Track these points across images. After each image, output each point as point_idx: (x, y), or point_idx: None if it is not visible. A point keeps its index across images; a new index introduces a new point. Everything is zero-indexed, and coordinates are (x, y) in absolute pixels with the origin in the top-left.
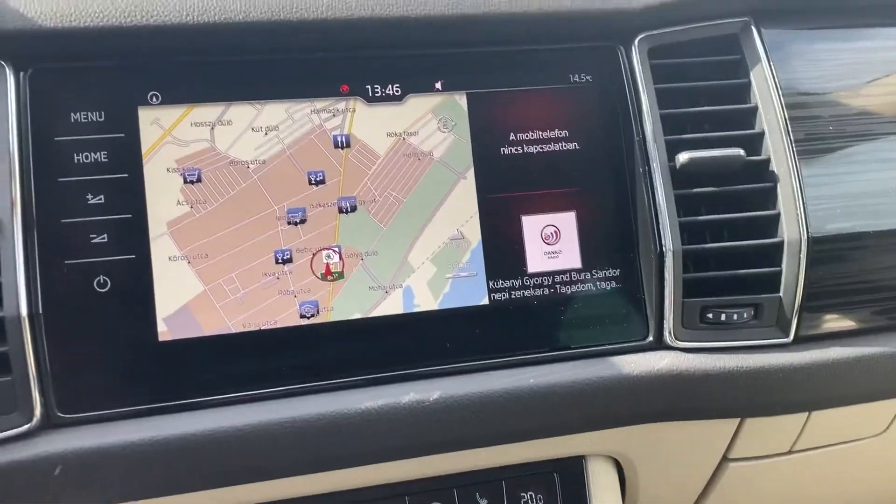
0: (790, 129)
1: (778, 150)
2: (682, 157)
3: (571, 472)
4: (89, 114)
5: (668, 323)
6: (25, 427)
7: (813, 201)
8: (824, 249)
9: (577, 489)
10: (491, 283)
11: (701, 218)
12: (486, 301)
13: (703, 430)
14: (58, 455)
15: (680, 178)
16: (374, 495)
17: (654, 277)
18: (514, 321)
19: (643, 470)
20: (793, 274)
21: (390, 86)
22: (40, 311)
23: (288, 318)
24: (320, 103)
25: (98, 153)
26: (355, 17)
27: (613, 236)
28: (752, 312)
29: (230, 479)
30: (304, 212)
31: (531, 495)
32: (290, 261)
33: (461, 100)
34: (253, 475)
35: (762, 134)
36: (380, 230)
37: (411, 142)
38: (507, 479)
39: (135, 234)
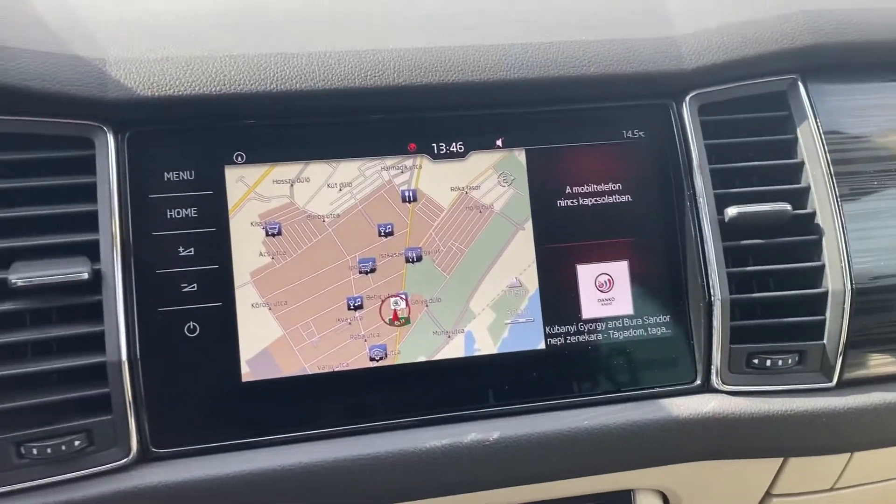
0: (835, 183)
1: (823, 203)
2: (732, 211)
3: None
4: (181, 173)
5: (716, 367)
6: (123, 461)
7: (857, 253)
8: (868, 300)
9: None
10: (547, 329)
11: (748, 269)
12: (542, 345)
13: (748, 467)
14: (151, 487)
15: (728, 230)
16: None
17: (703, 324)
18: (569, 364)
19: (689, 501)
20: (836, 322)
21: (454, 143)
22: (138, 356)
23: (359, 360)
24: (390, 160)
25: (189, 209)
26: (423, 83)
27: (664, 285)
28: (797, 358)
29: None
30: (374, 261)
31: None
32: (360, 307)
33: (520, 156)
34: None
35: (808, 188)
36: (443, 278)
37: (473, 195)
38: None
39: (222, 283)
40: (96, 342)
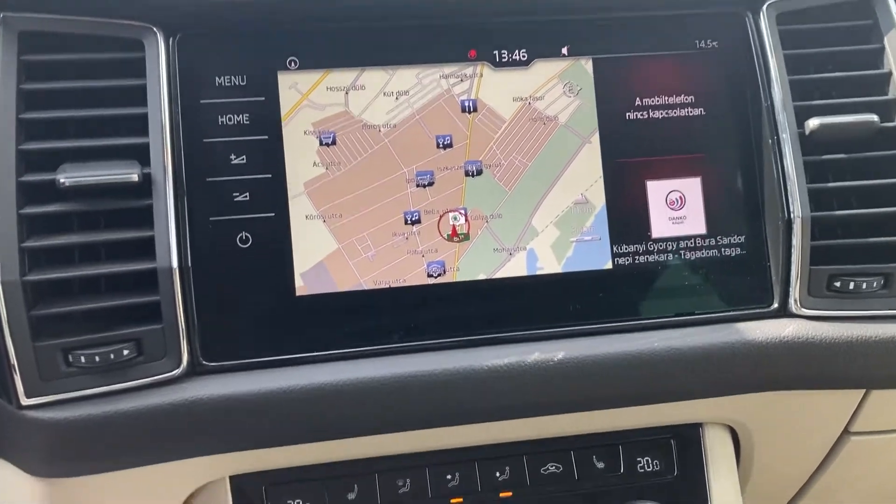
0: None
1: None
2: (813, 123)
3: (688, 440)
4: (232, 77)
5: (794, 291)
6: (173, 373)
7: None
8: None
9: (694, 457)
10: (615, 248)
11: (830, 185)
12: (609, 265)
13: (826, 400)
14: (202, 400)
15: (808, 143)
16: (495, 454)
17: (781, 245)
18: (638, 285)
19: (760, 440)
20: None
21: (517, 51)
22: (189, 264)
23: (416, 276)
24: (448, 68)
25: (241, 115)
26: None
27: (739, 203)
28: (882, 282)
29: (361, 428)
30: (431, 175)
31: (647, 460)
32: (418, 222)
33: (587, 65)
34: (382, 425)
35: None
36: (504, 193)
37: (537, 106)
38: (623, 444)
39: (274, 194)
40: (146, 248)
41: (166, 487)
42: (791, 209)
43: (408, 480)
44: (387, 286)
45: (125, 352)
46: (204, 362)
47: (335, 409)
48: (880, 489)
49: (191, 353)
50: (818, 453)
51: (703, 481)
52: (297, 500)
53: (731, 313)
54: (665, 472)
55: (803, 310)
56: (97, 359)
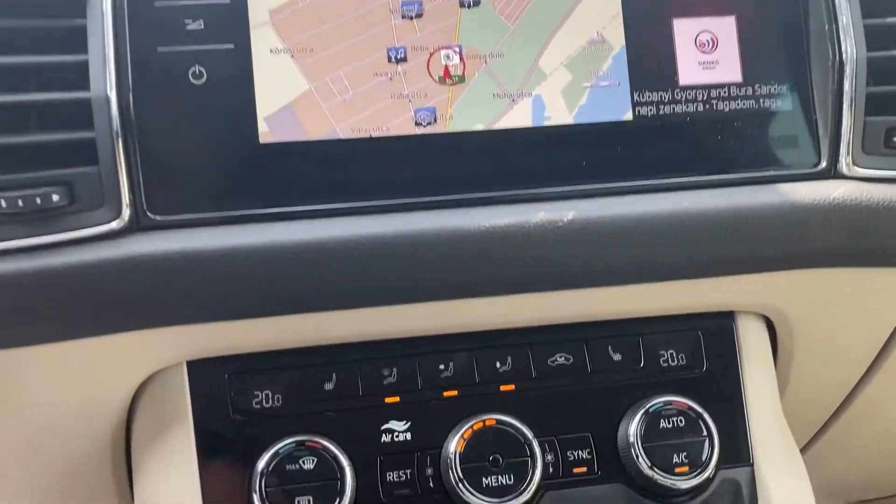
0: None
1: None
2: None
3: (719, 331)
4: None
5: (846, 146)
6: (113, 225)
7: None
8: None
9: (725, 351)
10: (636, 96)
11: (890, 20)
12: (629, 115)
13: (879, 283)
14: (146, 257)
15: None
16: (495, 342)
17: (831, 92)
18: (662, 139)
19: (800, 334)
20: None
21: None
22: (130, 98)
23: (402, 125)
24: None
25: None
26: None
27: (781, 44)
28: None
29: (333, 299)
30: (420, 5)
31: (672, 353)
32: (404, 60)
33: None
34: (358, 296)
35: None
36: (507, 29)
37: None
38: (644, 335)
39: (234, 21)
40: (80, 76)
41: (110, 372)
42: (843, 48)
43: (394, 370)
44: (366, 135)
45: (55, 196)
46: (150, 215)
47: (303, 273)
48: None
49: (133, 204)
50: (867, 354)
51: (737, 377)
52: (266, 392)
53: (771, 173)
54: (692, 367)
55: (856, 169)
56: (20, 202)
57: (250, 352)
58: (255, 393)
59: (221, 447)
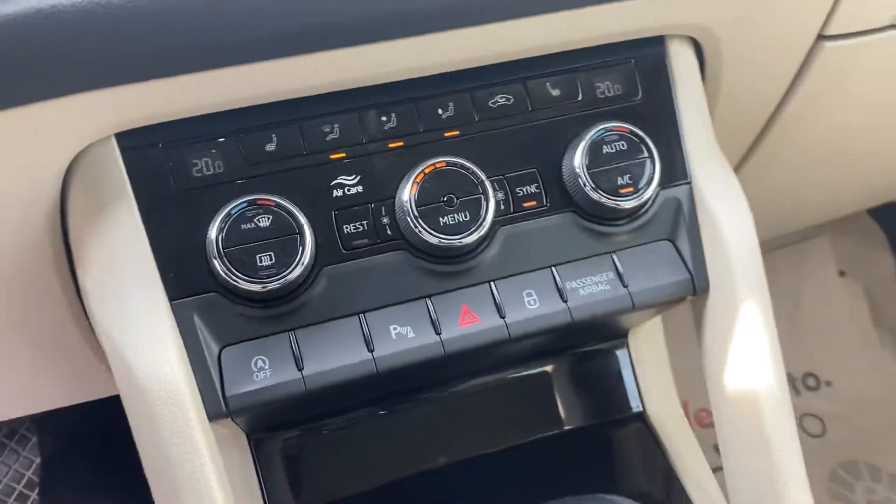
0: None
1: None
2: None
3: (651, 58)
4: None
5: None
6: None
7: None
8: None
9: (658, 77)
10: None
11: None
12: None
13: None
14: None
15: None
16: (435, 89)
17: None
18: None
19: (727, 52)
20: None
21: None
22: None
23: None
24: None
25: None
26: None
27: None
28: None
29: (254, 48)
30: None
31: (608, 85)
32: None
33: None
34: (284, 44)
35: None
36: None
37: None
38: (580, 70)
39: None
40: None
41: (31, 149)
42: None
43: (336, 126)
44: None
45: None
46: None
47: (228, 15)
48: (851, 118)
49: None
50: (790, 65)
51: (671, 101)
52: (205, 160)
53: None
54: (629, 96)
55: None
56: None
57: (181, 118)
58: (195, 161)
59: (168, 219)
